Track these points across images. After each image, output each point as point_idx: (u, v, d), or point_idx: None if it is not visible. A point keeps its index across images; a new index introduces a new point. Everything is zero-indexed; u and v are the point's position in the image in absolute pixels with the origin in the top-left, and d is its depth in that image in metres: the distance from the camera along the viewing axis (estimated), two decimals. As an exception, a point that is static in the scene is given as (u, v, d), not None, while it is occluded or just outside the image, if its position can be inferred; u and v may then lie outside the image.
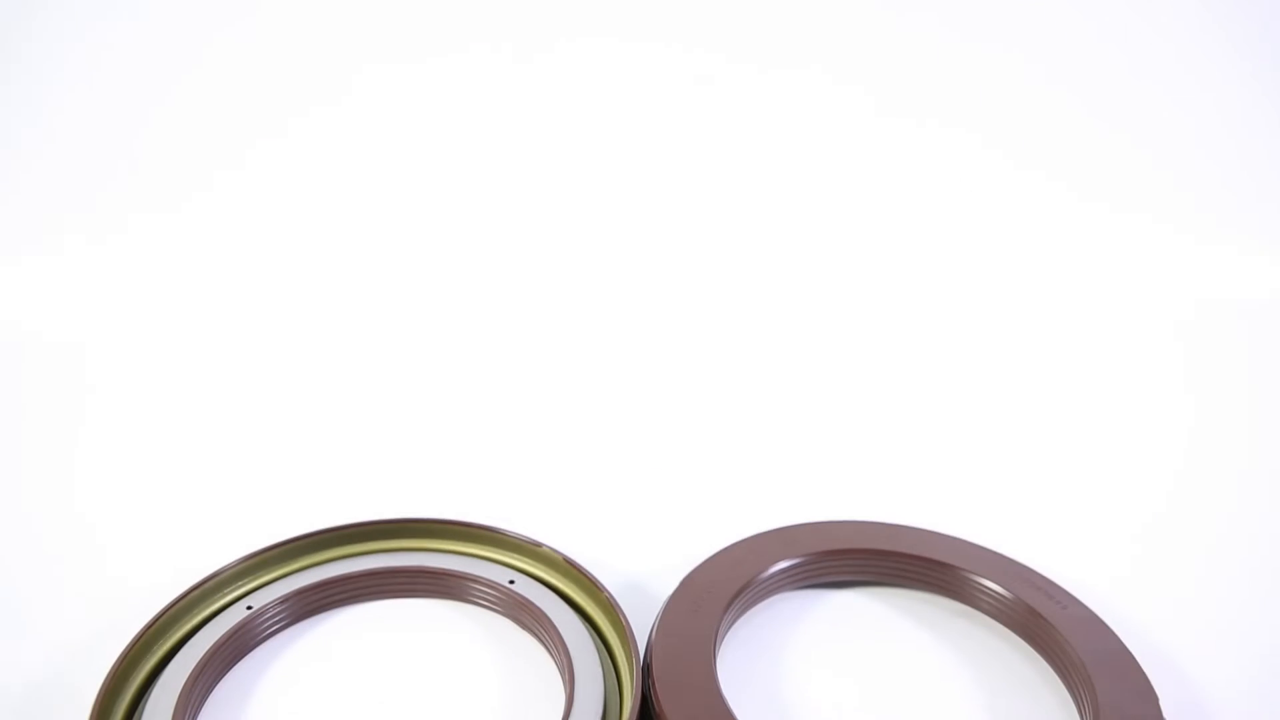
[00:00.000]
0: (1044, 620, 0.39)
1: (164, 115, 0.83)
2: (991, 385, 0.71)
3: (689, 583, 0.40)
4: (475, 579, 0.42)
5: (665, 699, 0.34)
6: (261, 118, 0.85)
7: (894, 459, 0.59)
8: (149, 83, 0.82)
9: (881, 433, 0.63)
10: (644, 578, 0.45)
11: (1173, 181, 0.90)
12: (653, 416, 0.65)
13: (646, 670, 0.36)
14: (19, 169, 0.83)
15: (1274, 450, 0.61)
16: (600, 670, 0.36)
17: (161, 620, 0.39)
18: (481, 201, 0.87)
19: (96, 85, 0.82)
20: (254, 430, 0.63)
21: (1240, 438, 0.63)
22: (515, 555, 0.44)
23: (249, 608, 0.40)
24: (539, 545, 0.43)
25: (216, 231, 0.85)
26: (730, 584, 0.40)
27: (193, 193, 0.85)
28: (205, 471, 0.57)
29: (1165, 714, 0.34)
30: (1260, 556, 0.49)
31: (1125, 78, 0.88)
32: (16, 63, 0.80)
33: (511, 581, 0.42)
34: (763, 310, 0.83)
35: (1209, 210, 0.90)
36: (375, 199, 0.87)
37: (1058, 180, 0.90)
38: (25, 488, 0.56)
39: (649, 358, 0.75)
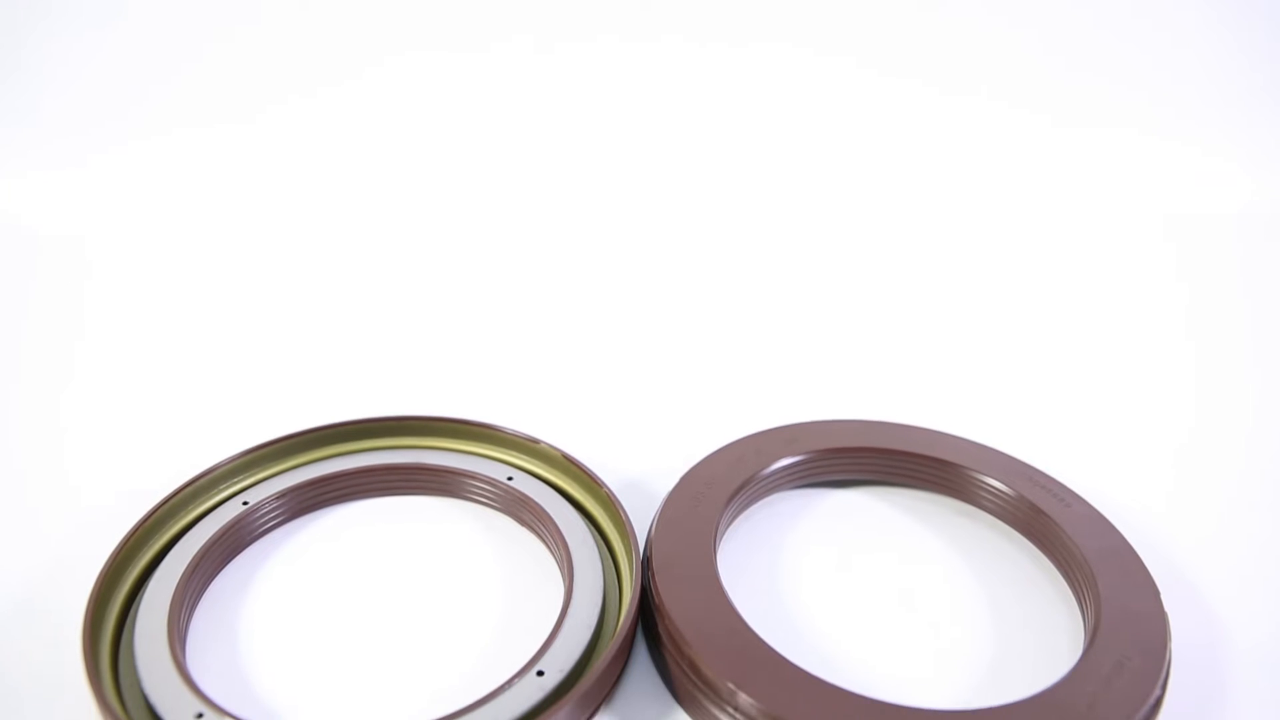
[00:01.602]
0: (1047, 517, 0.39)
1: (199, 50, 0.82)
2: (998, 290, 0.70)
3: (690, 478, 0.40)
4: (473, 475, 0.42)
5: (665, 591, 0.33)
6: (287, 59, 0.83)
7: (898, 361, 0.59)
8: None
9: (885, 334, 0.62)
10: (643, 476, 0.44)
11: (1167, 96, 0.88)
12: (654, 317, 0.64)
13: (646, 563, 0.35)
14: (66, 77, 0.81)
15: (1273, 349, 0.61)
16: (600, 564, 0.36)
17: (157, 515, 0.38)
18: (486, 117, 0.85)
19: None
20: (251, 330, 0.62)
21: (1240, 342, 0.62)
22: (513, 452, 0.43)
23: (244, 503, 0.40)
24: (537, 442, 0.43)
25: (225, 141, 0.83)
26: (731, 480, 0.40)
27: (219, 114, 0.83)
28: (201, 371, 0.57)
29: (1166, 607, 0.33)
30: (1258, 456, 0.48)
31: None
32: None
33: (510, 478, 0.41)
34: (768, 210, 0.82)
35: (1204, 125, 0.88)
36: (381, 120, 0.85)
37: (1055, 94, 0.87)
38: (23, 386, 0.55)
39: (650, 257, 0.74)
